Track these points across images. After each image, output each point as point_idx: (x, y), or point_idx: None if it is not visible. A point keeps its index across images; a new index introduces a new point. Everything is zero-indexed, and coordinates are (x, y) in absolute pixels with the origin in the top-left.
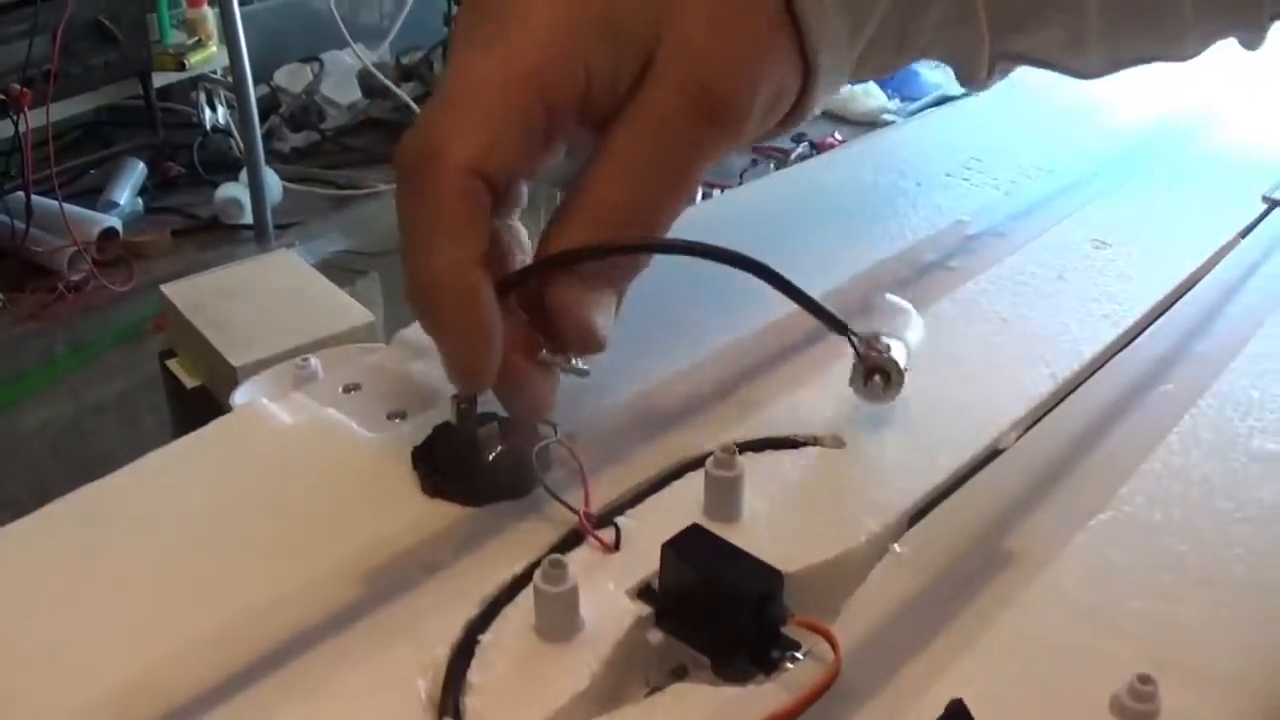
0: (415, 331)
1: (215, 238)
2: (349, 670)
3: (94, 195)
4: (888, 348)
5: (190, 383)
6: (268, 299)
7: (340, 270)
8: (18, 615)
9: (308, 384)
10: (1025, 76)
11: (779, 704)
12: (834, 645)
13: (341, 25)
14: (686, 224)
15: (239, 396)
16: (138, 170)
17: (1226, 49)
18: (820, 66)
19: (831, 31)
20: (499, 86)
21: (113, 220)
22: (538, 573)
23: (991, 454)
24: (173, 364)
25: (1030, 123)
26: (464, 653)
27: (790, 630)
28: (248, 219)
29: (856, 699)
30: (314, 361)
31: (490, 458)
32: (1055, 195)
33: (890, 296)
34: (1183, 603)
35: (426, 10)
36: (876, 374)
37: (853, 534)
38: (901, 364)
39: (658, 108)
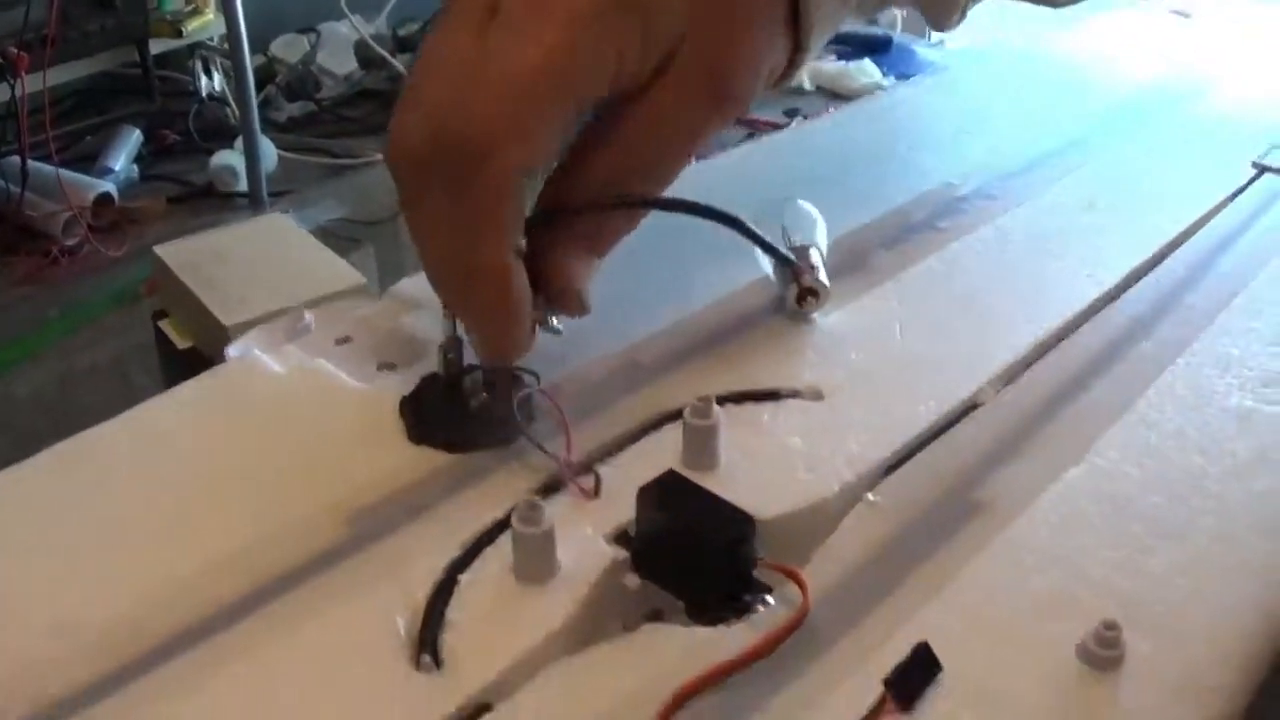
0: (406, 286)
1: (210, 205)
2: (332, 608)
3: (90, 161)
4: (815, 267)
5: (182, 343)
6: (260, 260)
7: (335, 238)
8: (12, 555)
9: (301, 337)
10: (1016, 42)
11: (747, 644)
12: (803, 588)
13: None
14: (678, 187)
15: (233, 350)
16: (133, 137)
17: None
18: (811, 44)
19: (825, 14)
20: (544, 84)
21: (108, 186)
22: (515, 514)
23: (970, 408)
24: (165, 325)
25: (1022, 89)
26: (444, 592)
27: (762, 574)
28: (242, 187)
29: (825, 641)
30: (307, 315)
31: (474, 406)
32: (1046, 159)
33: (800, 203)
34: (1151, 553)
35: None
36: (808, 295)
37: (827, 483)
38: (825, 280)
39: (672, 98)
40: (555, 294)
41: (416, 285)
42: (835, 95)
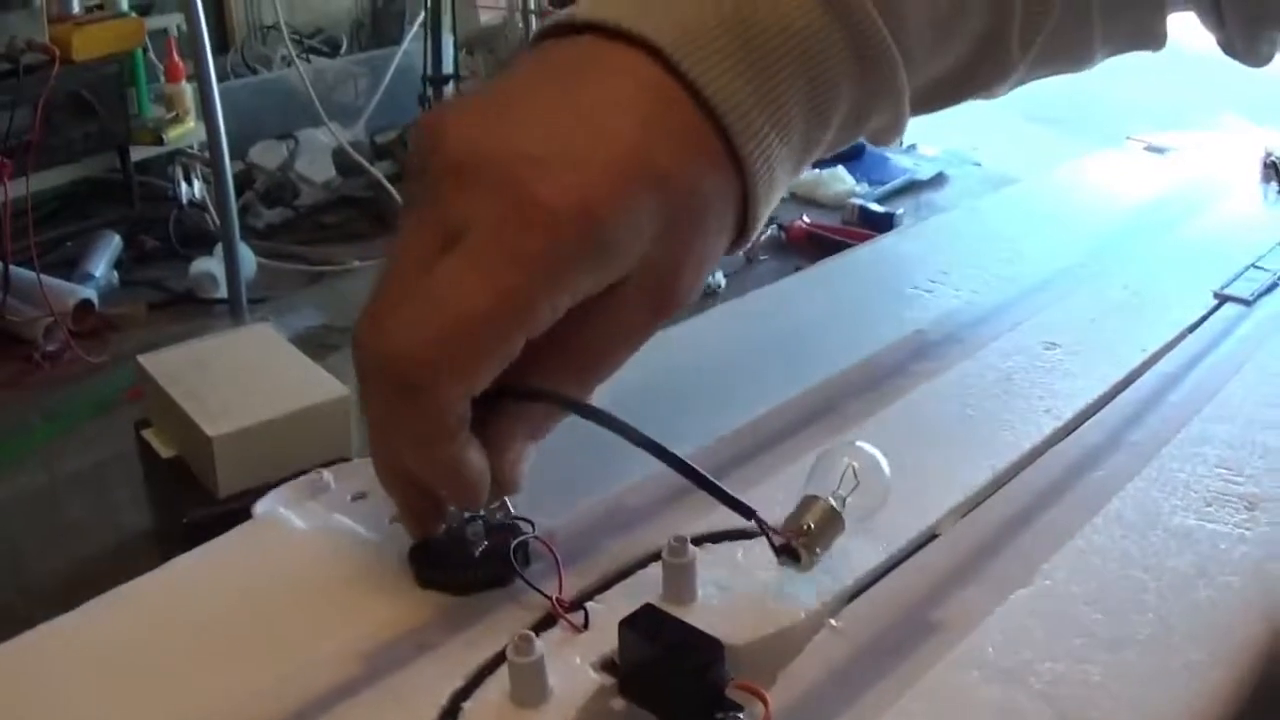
0: None
1: (190, 311)
2: None
3: (70, 267)
4: (807, 529)
5: (166, 453)
6: (243, 371)
7: (314, 345)
8: (60, 701)
9: (321, 494)
10: (995, 189)
11: None
12: (765, 705)
13: (317, 103)
14: (669, 338)
15: (260, 507)
16: (114, 243)
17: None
18: (756, 229)
19: (771, 199)
20: (490, 328)
21: (89, 292)
22: (509, 646)
23: (928, 538)
24: (148, 434)
25: (997, 234)
26: (448, 718)
27: (734, 694)
28: (222, 293)
29: None
30: (326, 474)
31: (476, 553)
32: (1014, 301)
33: (861, 445)
34: (1090, 663)
35: (401, 90)
36: (785, 553)
37: (794, 612)
38: (819, 549)
39: (618, 307)
40: (501, 465)
41: None
42: (810, 202)
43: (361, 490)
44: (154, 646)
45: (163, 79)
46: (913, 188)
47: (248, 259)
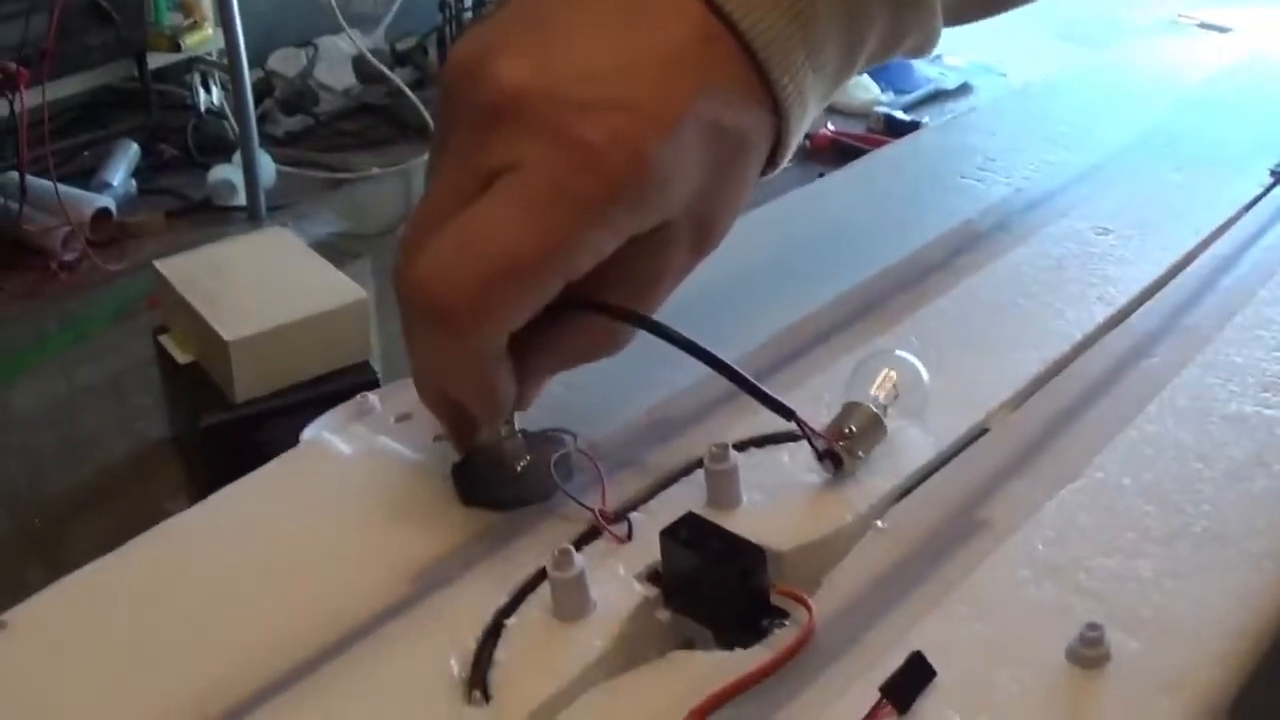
0: None
1: (208, 219)
2: (393, 655)
3: (88, 176)
4: (850, 432)
5: (183, 358)
6: (261, 275)
7: (332, 252)
8: (123, 626)
9: (366, 416)
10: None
11: (758, 663)
12: (809, 610)
13: (336, 10)
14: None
15: (307, 433)
16: (131, 151)
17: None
18: (786, 160)
19: (806, 115)
20: (532, 272)
21: (107, 201)
22: (550, 561)
23: (977, 435)
24: (165, 340)
25: (1040, 122)
26: (491, 635)
27: (779, 601)
28: (241, 201)
29: (831, 657)
30: (372, 397)
31: (518, 468)
32: (1064, 187)
33: (900, 354)
34: (1143, 558)
35: None
36: (828, 458)
37: (840, 515)
38: (862, 453)
39: (656, 248)
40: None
41: None
42: (833, 110)
43: (406, 411)
44: (202, 577)
45: None
46: (938, 97)
47: (267, 166)
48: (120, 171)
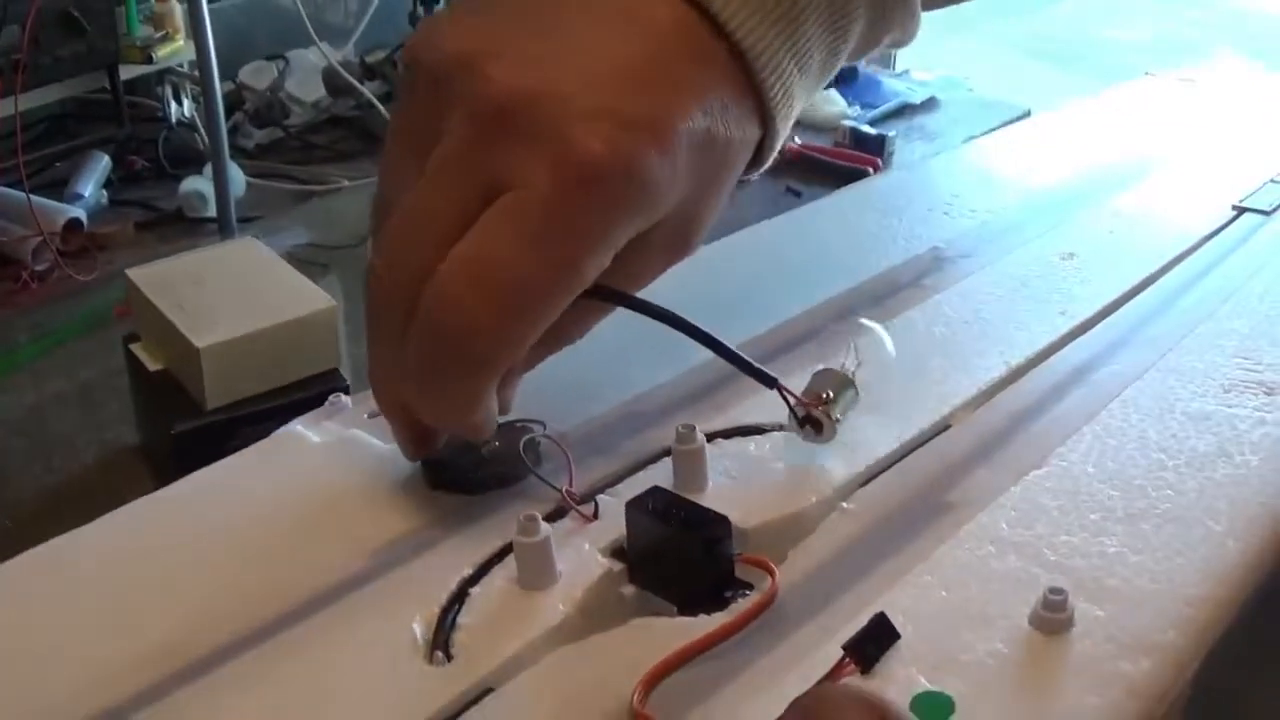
0: None
1: (178, 230)
2: (359, 621)
3: (59, 187)
4: (827, 397)
5: (154, 366)
6: (231, 283)
7: (302, 263)
8: (84, 595)
9: (339, 414)
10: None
11: (719, 624)
12: (771, 574)
13: (307, 23)
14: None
15: (280, 431)
16: (103, 163)
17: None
18: (775, 150)
19: (791, 115)
20: (547, 300)
21: (78, 211)
22: (516, 528)
23: (941, 429)
24: (137, 348)
25: (1011, 160)
26: (455, 602)
27: (742, 572)
28: (211, 212)
29: (794, 623)
30: (344, 398)
31: (486, 453)
32: (1030, 219)
33: (864, 320)
34: (1107, 535)
35: (391, 10)
36: (808, 423)
37: (805, 496)
38: (838, 414)
39: (641, 259)
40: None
41: None
42: (800, 124)
43: (377, 410)
44: (170, 548)
45: None
46: (905, 111)
47: (237, 178)
48: (91, 182)
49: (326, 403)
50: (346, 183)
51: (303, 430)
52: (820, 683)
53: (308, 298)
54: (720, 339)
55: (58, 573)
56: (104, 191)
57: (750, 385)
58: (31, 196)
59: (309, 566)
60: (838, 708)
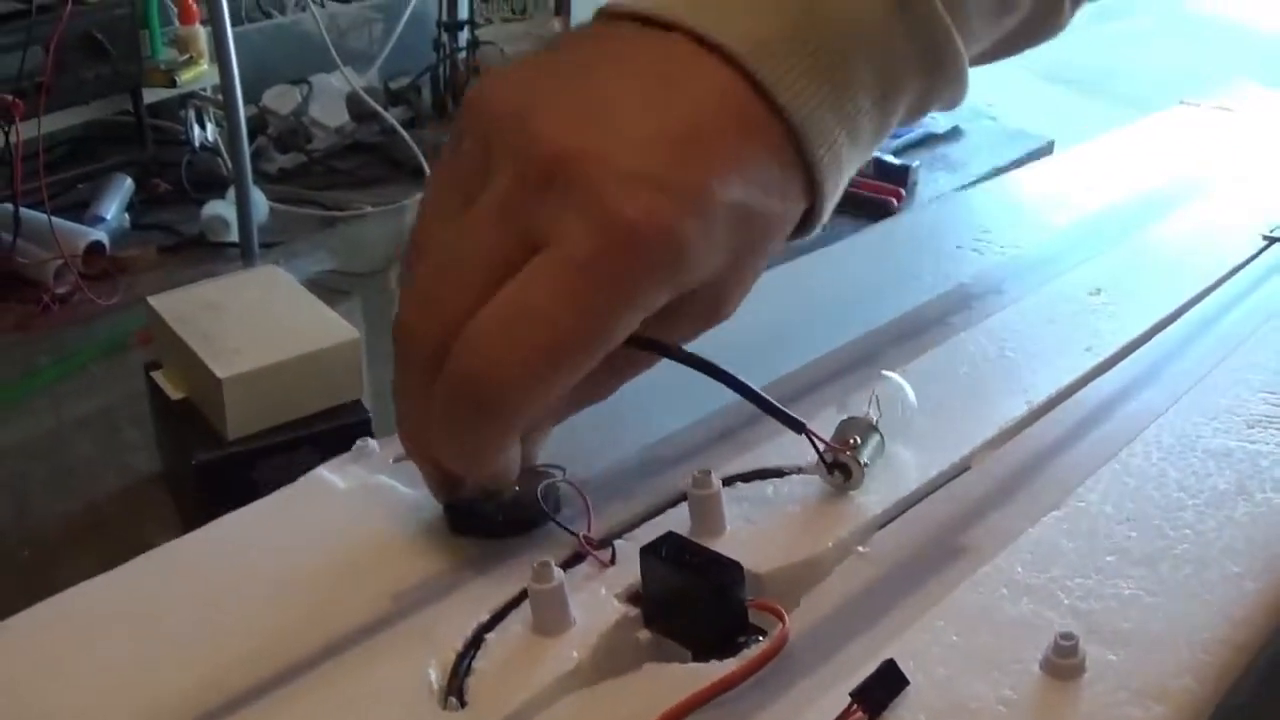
0: None
1: (200, 255)
2: (376, 666)
3: (81, 209)
4: (854, 442)
5: (175, 395)
6: (254, 312)
7: (324, 290)
8: (111, 639)
9: (364, 460)
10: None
11: (730, 670)
12: (781, 619)
13: (331, 48)
14: None
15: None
16: (125, 186)
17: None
18: (824, 218)
19: (841, 184)
20: (576, 357)
21: (100, 234)
22: (530, 575)
23: (961, 470)
24: (158, 376)
25: (1042, 194)
26: (471, 648)
27: (756, 619)
28: (233, 237)
29: (806, 668)
30: (371, 442)
31: (506, 499)
32: (1058, 255)
33: (885, 372)
34: (1123, 578)
35: (415, 36)
36: (836, 469)
37: (821, 541)
38: (865, 459)
39: (673, 325)
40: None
41: None
42: None
43: (403, 454)
44: (192, 595)
45: (176, 21)
46: (928, 141)
47: (260, 203)
48: (113, 205)
49: (354, 448)
50: (370, 208)
51: (328, 475)
52: None
53: (331, 329)
54: (747, 383)
55: (74, 621)
56: (126, 215)
57: (770, 428)
58: (53, 219)
59: (330, 612)
60: None
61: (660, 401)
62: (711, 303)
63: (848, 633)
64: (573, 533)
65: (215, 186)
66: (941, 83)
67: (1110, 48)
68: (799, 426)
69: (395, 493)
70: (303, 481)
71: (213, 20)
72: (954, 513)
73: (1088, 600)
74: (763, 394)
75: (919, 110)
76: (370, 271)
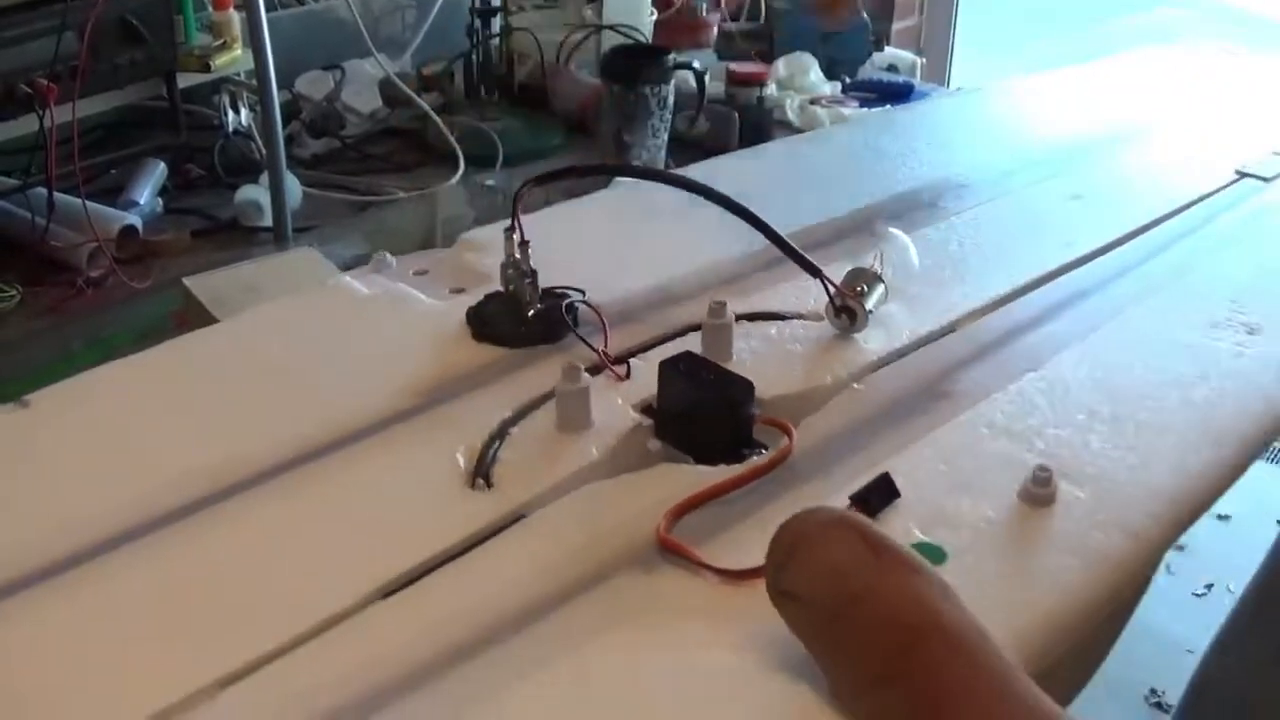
0: (477, 233)
1: (234, 239)
2: (407, 448)
3: (115, 194)
4: (861, 290)
5: None
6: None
7: None
8: (138, 412)
9: (384, 271)
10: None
11: (737, 471)
12: (788, 434)
13: (365, 34)
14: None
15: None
16: (159, 170)
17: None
18: None
19: None
20: None
21: (133, 218)
22: (560, 375)
23: (949, 330)
24: None
25: (1040, 103)
26: (496, 438)
27: (759, 434)
28: (267, 221)
29: (805, 478)
30: (389, 256)
31: (529, 312)
32: (1050, 158)
33: (891, 229)
34: (1091, 433)
35: (449, 22)
36: (844, 313)
37: (820, 375)
38: (870, 306)
39: None
40: None
41: (483, 233)
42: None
43: (423, 268)
44: (217, 377)
45: (210, 7)
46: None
47: (293, 188)
48: (147, 190)
49: (372, 261)
50: (402, 194)
51: (351, 281)
52: None
53: None
54: (774, 228)
55: (101, 395)
56: (159, 199)
57: (773, 276)
58: (87, 203)
59: (359, 398)
60: (821, 525)
61: (672, 245)
62: None
63: (842, 453)
64: (592, 346)
65: (248, 171)
66: None
67: None
68: (815, 271)
69: (418, 300)
70: (326, 285)
71: (247, 5)
72: (940, 364)
73: (1060, 447)
74: (786, 239)
75: None
76: (403, 255)
